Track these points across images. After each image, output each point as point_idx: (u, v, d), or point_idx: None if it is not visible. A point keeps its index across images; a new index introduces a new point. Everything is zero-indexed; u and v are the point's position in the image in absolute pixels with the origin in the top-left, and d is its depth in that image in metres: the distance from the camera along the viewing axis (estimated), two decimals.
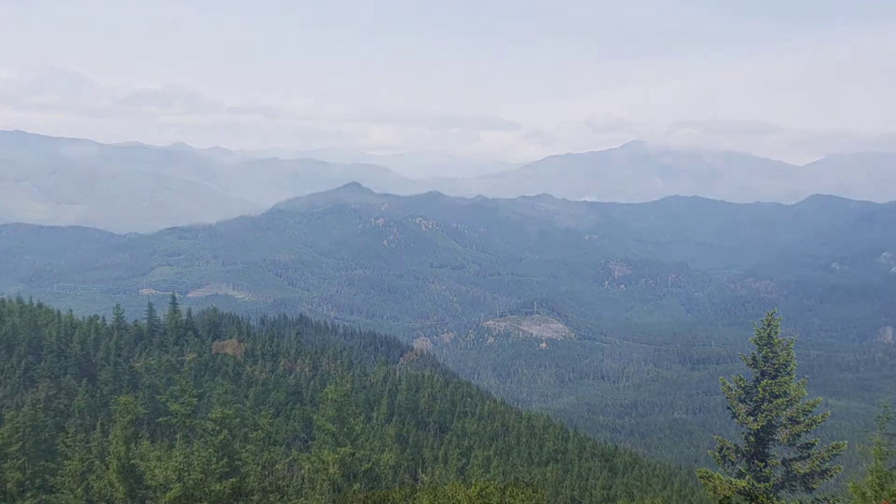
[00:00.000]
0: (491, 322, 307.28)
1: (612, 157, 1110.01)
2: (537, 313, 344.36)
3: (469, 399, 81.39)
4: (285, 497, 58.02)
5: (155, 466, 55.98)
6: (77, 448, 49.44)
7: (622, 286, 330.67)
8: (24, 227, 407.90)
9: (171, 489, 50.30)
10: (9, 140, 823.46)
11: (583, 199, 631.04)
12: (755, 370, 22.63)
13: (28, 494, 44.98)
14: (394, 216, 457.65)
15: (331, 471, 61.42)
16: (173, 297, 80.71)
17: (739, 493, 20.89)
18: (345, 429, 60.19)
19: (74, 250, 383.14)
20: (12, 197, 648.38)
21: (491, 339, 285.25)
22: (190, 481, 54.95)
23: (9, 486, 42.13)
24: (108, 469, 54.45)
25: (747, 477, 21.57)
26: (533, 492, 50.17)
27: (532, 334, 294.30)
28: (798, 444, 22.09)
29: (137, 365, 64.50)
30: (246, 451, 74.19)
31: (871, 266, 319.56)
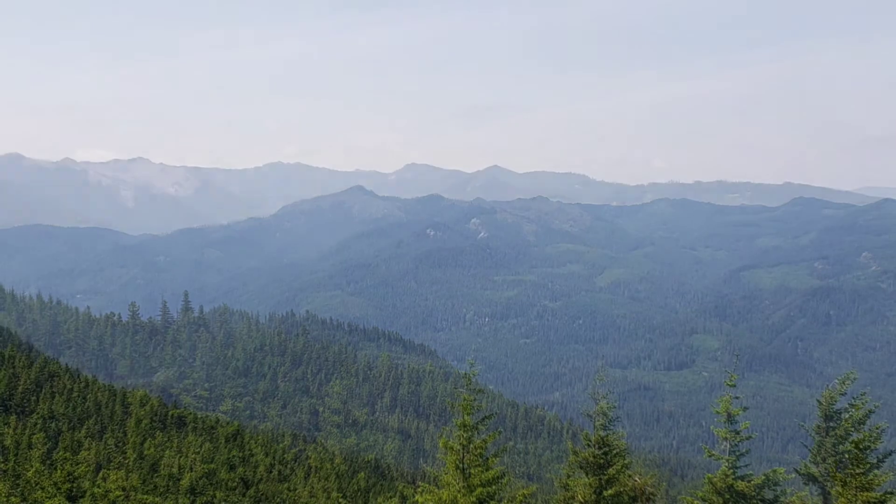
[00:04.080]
0: (488, 319, 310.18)
1: None
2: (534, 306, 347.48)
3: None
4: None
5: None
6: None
7: (614, 285, 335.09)
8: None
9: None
10: None
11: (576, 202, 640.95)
12: None
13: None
14: (397, 218, 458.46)
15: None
16: (185, 295, 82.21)
17: None
18: (350, 420, 63.10)
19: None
20: None
21: (483, 338, 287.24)
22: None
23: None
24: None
25: None
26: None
27: (523, 329, 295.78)
28: None
29: (152, 360, 66.09)
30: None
31: (852, 266, 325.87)
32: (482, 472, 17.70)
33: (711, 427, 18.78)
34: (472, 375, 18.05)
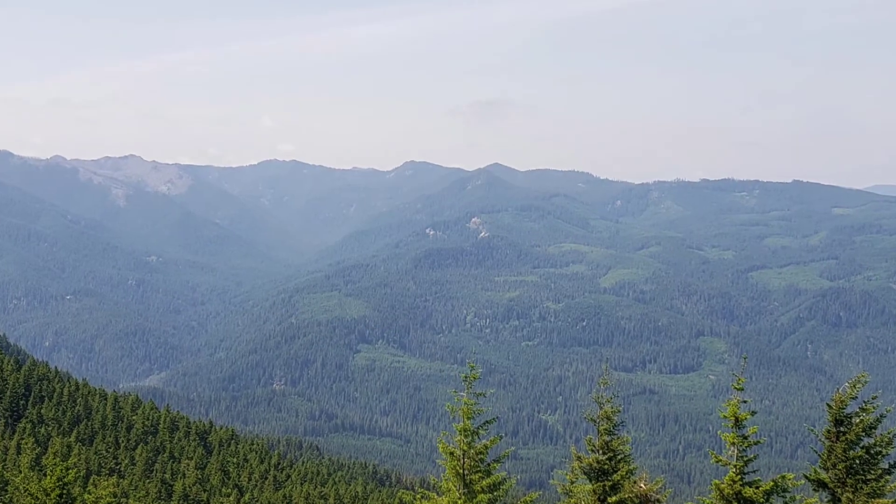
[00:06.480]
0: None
1: None
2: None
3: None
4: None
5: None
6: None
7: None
8: None
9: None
10: None
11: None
12: None
13: None
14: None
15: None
16: None
17: None
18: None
19: None
20: None
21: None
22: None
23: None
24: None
25: None
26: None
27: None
28: None
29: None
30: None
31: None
32: (483, 478, 17.42)
33: (718, 432, 18.15)
34: (472, 378, 17.64)
